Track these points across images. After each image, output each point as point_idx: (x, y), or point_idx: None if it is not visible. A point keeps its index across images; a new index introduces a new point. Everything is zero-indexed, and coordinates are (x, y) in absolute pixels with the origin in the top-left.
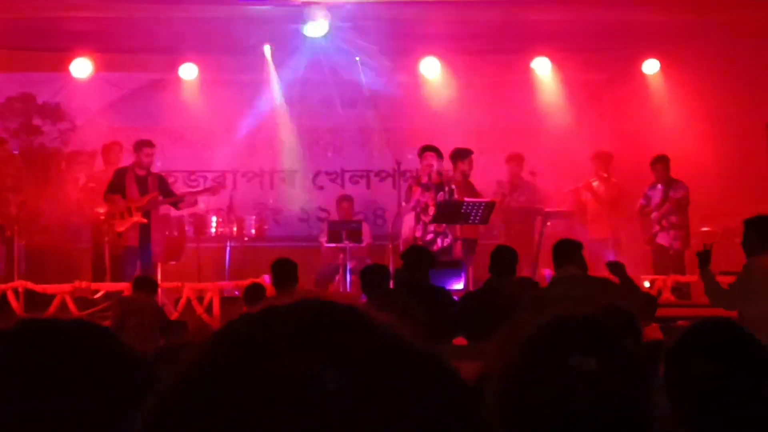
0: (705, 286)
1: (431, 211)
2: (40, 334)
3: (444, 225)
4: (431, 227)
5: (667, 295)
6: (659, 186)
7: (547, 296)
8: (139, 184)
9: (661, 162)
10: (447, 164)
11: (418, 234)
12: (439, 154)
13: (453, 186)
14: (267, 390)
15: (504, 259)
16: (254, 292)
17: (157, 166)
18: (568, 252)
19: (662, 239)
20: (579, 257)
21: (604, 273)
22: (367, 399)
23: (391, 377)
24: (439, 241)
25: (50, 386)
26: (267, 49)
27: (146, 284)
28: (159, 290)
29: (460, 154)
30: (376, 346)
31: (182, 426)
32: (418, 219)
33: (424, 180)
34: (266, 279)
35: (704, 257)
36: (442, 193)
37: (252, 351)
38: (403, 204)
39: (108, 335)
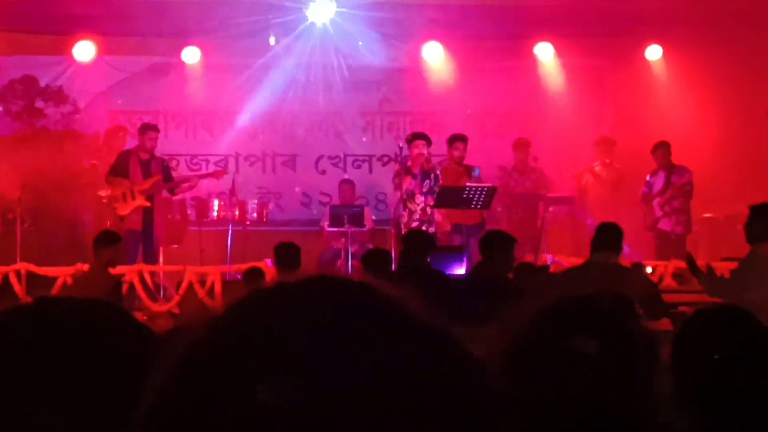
0: (706, 288)
1: (418, 199)
2: (59, 311)
3: (428, 213)
4: (417, 215)
5: (669, 281)
6: (661, 172)
7: (567, 281)
8: (142, 168)
9: (661, 148)
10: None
11: (403, 221)
12: (428, 142)
13: (438, 172)
14: (282, 364)
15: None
16: (254, 275)
17: (159, 150)
18: (604, 237)
19: (664, 225)
20: (614, 244)
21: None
22: (381, 374)
23: (406, 352)
24: (423, 228)
25: (69, 363)
26: (270, 32)
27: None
28: (161, 273)
29: (450, 139)
30: (388, 320)
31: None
32: (404, 206)
33: (415, 169)
34: (267, 263)
35: (693, 265)
36: (428, 180)
37: (266, 326)
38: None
39: (122, 312)
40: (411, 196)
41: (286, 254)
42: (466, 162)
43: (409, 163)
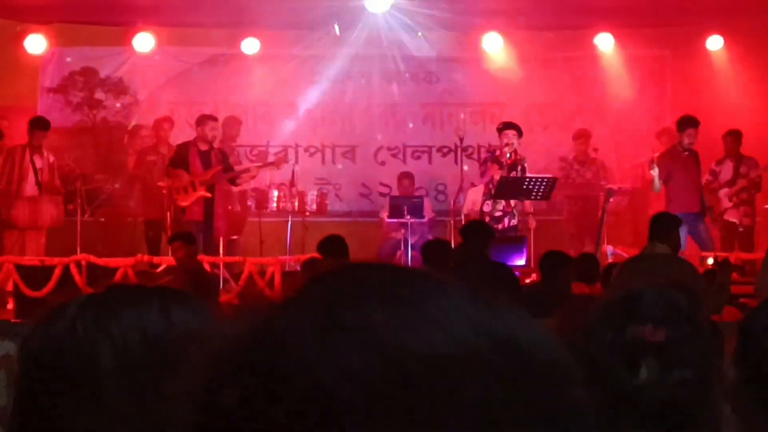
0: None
1: None
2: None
3: (512, 204)
4: (500, 205)
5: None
6: (728, 161)
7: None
8: (202, 159)
9: (732, 135)
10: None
11: (486, 209)
12: (519, 132)
13: (525, 165)
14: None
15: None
16: (312, 266)
17: (218, 141)
18: (660, 228)
19: (731, 215)
20: (672, 235)
21: None
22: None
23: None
24: (506, 220)
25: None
26: (328, 23)
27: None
28: (221, 264)
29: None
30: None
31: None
32: (489, 195)
33: (504, 159)
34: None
35: (728, 267)
36: (514, 172)
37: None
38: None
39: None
40: (496, 185)
41: (330, 245)
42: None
43: (497, 153)
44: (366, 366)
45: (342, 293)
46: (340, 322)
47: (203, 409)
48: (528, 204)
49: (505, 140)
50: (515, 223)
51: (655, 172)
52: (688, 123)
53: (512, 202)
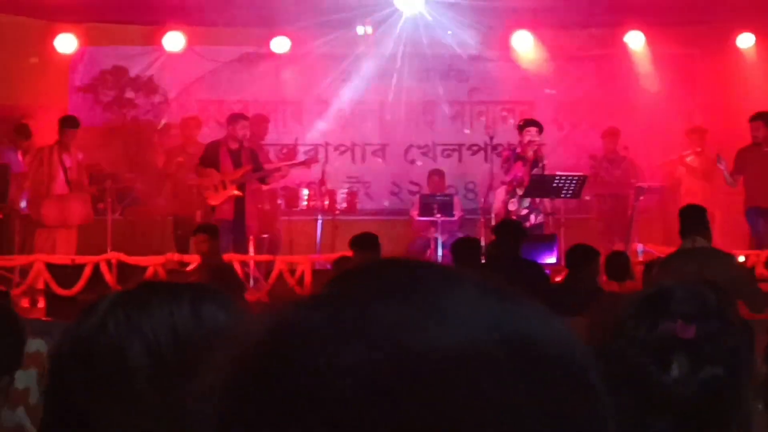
0: None
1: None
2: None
3: (537, 201)
4: (526, 203)
5: (761, 270)
6: None
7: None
8: (232, 158)
9: (763, 119)
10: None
11: (512, 208)
12: (540, 128)
13: (545, 161)
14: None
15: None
16: (343, 264)
17: (251, 140)
18: (696, 220)
19: None
20: (706, 227)
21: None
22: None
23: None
24: (532, 217)
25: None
26: (359, 23)
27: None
28: (251, 262)
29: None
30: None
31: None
32: (513, 193)
33: (527, 155)
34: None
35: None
36: (536, 168)
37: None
38: (502, 178)
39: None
40: (521, 183)
41: (362, 240)
42: (540, 150)
43: (518, 150)
44: (361, 363)
45: (351, 290)
46: (340, 320)
47: (224, 408)
48: (548, 203)
49: (528, 137)
50: (541, 220)
51: (722, 165)
52: (755, 116)
53: (537, 200)
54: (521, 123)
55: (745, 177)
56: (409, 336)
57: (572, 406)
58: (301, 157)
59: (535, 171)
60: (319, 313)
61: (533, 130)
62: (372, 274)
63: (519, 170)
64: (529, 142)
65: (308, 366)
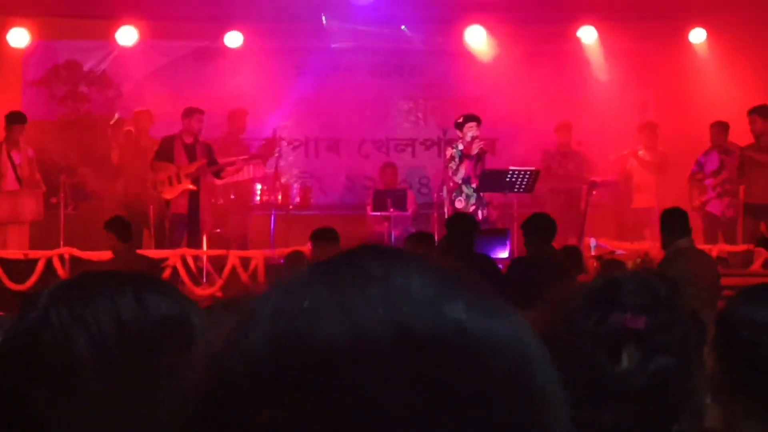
0: None
1: (473, 182)
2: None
3: (483, 196)
4: (474, 199)
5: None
6: (714, 152)
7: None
8: (187, 152)
9: (718, 126)
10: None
11: (460, 206)
12: (479, 122)
13: (485, 156)
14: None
15: (540, 227)
16: (296, 259)
17: (202, 135)
18: (683, 222)
19: (713, 207)
20: (689, 228)
21: (648, 241)
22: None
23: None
24: (480, 213)
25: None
26: (313, 16)
27: None
28: (205, 257)
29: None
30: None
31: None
32: (459, 191)
33: (471, 153)
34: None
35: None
36: (480, 164)
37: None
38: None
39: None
40: (467, 180)
41: (322, 233)
42: (483, 145)
43: (461, 147)
44: (259, 350)
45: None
46: (254, 311)
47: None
48: (487, 197)
49: (470, 133)
50: (486, 214)
51: None
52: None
53: (481, 194)
54: (460, 120)
55: (746, 176)
56: (303, 326)
57: (506, 397)
58: (254, 152)
59: (479, 167)
60: (253, 304)
61: (473, 124)
62: (321, 265)
63: (466, 167)
64: (473, 138)
65: (219, 354)
